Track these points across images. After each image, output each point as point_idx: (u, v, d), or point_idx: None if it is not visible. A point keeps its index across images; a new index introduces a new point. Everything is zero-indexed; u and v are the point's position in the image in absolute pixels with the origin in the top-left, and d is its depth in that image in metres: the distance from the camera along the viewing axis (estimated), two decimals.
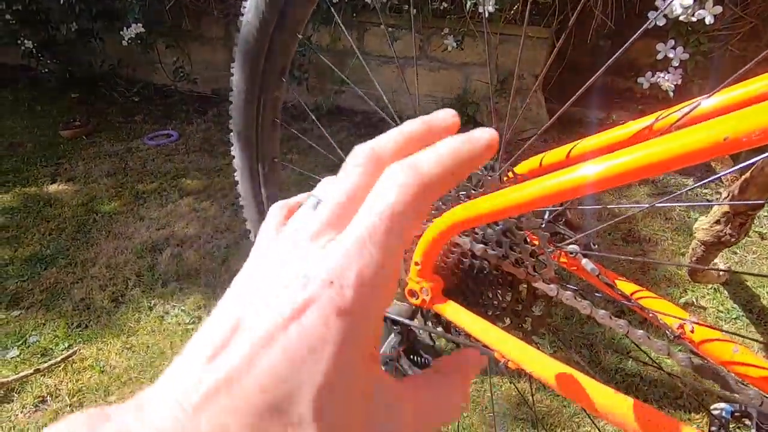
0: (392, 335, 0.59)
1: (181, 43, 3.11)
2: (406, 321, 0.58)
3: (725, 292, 1.27)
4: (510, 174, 0.59)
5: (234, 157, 0.92)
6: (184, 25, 3.03)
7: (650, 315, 0.57)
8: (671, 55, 1.95)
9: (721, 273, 1.05)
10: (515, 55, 2.65)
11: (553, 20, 2.49)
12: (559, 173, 0.41)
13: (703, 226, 0.82)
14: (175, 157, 2.35)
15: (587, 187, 0.40)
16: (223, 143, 2.53)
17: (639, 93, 3.18)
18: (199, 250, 1.65)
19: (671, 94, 2.12)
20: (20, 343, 1.23)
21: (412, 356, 0.60)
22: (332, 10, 1.79)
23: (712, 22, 1.79)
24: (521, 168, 0.65)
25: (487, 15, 2.17)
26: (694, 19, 1.83)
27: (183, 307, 1.40)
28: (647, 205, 1.94)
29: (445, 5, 2.35)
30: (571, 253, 0.58)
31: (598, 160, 0.38)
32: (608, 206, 1.77)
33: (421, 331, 0.60)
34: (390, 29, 2.66)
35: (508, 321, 0.61)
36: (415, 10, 2.46)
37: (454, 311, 0.55)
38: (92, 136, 2.58)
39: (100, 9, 2.91)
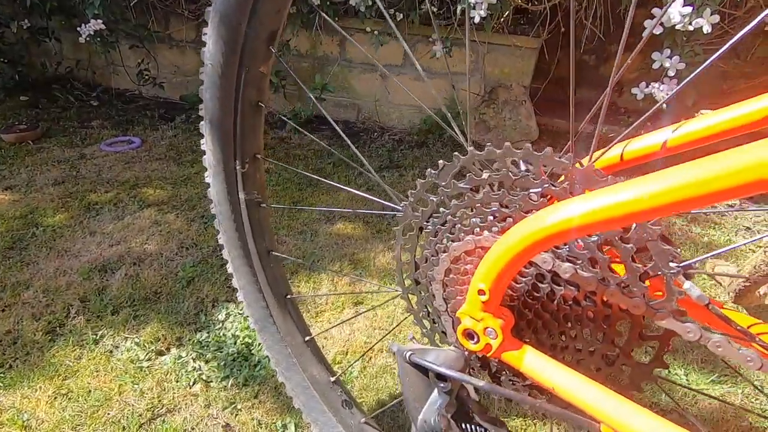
0: (436, 394, 0.41)
1: (147, 44, 2.87)
2: (458, 375, 0.40)
3: None
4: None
5: (205, 152, 0.73)
6: (150, 25, 2.81)
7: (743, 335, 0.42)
8: (667, 65, 1.90)
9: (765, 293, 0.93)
10: (503, 64, 2.57)
11: (542, 30, 2.43)
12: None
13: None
14: (135, 165, 2.10)
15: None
16: (191, 151, 2.30)
17: (623, 107, 3.17)
18: (161, 270, 1.42)
19: (665, 106, 2.06)
20: None
21: (463, 424, 0.42)
22: (320, 11, 1.62)
23: (709, 31, 1.75)
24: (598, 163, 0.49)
25: (477, 21, 2.07)
26: (691, 28, 1.78)
27: (137, 340, 1.16)
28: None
29: (434, 9, 2.24)
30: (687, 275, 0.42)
31: None
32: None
33: (473, 389, 0.42)
34: (376, 32, 2.54)
35: (592, 369, 0.44)
36: (401, 15, 2.34)
37: (534, 362, 0.38)
38: (40, 142, 2.29)
39: (56, 5, 2.65)
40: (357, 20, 2.56)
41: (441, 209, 0.50)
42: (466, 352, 0.44)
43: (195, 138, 2.45)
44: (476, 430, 0.42)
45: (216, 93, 0.66)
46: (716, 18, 1.74)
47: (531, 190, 0.43)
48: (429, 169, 0.50)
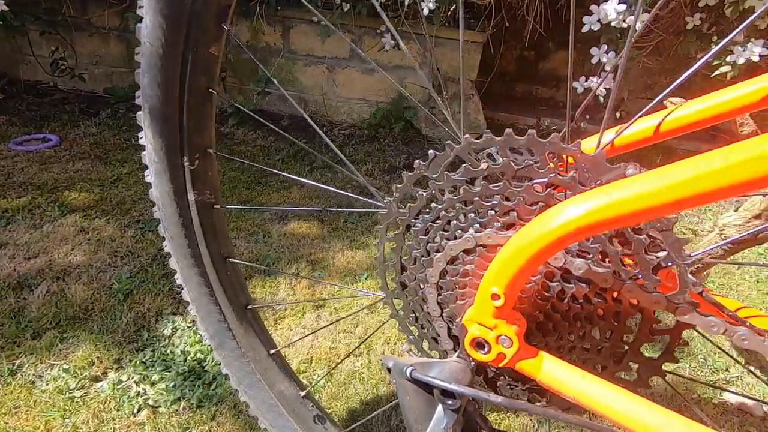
0: (441, 412, 0.37)
1: (62, 31, 2.56)
2: (472, 391, 0.36)
3: None
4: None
5: (145, 147, 0.63)
6: (64, 10, 2.50)
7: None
8: (604, 60, 2.00)
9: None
10: (450, 59, 2.58)
11: (487, 25, 2.47)
12: None
13: (736, 222, 0.73)
14: (54, 166, 1.86)
15: None
16: (121, 149, 2.08)
17: (561, 101, 3.32)
18: (91, 284, 1.25)
19: (601, 99, 2.18)
20: None
21: None
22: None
23: (641, 27, 1.85)
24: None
25: (426, 13, 2.05)
26: (625, 24, 1.88)
27: (66, 366, 1.01)
28: None
29: (382, 0, 2.20)
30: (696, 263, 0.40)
31: None
32: None
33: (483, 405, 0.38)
34: (321, 24, 2.44)
35: (599, 368, 0.42)
36: (348, 6, 2.27)
37: (553, 369, 0.34)
38: None
39: None
40: (300, 10, 2.46)
41: (432, 204, 0.45)
42: (473, 363, 0.39)
43: (125, 134, 2.22)
44: None
45: (157, 77, 0.57)
46: (646, 15, 1.85)
47: (536, 181, 0.39)
48: (417, 161, 0.45)
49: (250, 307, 0.76)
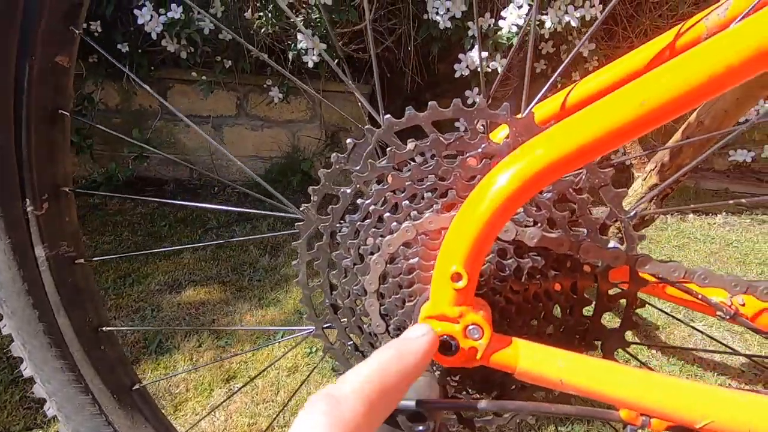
0: None
1: None
2: (450, 403, 0.28)
3: None
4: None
5: None
6: None
7: (700, 297, 0.43)
8: (477, 100, 2.23)
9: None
10: (340, 110, 2.65)
11: (370, 77, 2.61)
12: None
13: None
14: None
15: None
16: None
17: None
18: None
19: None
20: None
21: None
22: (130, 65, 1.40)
23: (502, 71, 2.12)
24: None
25: (311, 66, 2.10)
26: (489, 69, 2.14)
27: None
28: None
29: (266, 56, 2.19)
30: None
31: None
32: None
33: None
34: (201, 87, 2.34)
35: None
36: (230, 63, 2.22)
37: (532, 355, 0.29)
38: None
39: None
40: (178, 70, 2.34)
41: (359, 201, 0.39)
42: (437, 373, 0.32)
43: None
44: None
45: None
46: (504, 61, 2.13)
47: (469, 154, 0.35)
48: (335, 154, 0.39)
49: (136, 387, 0.59)
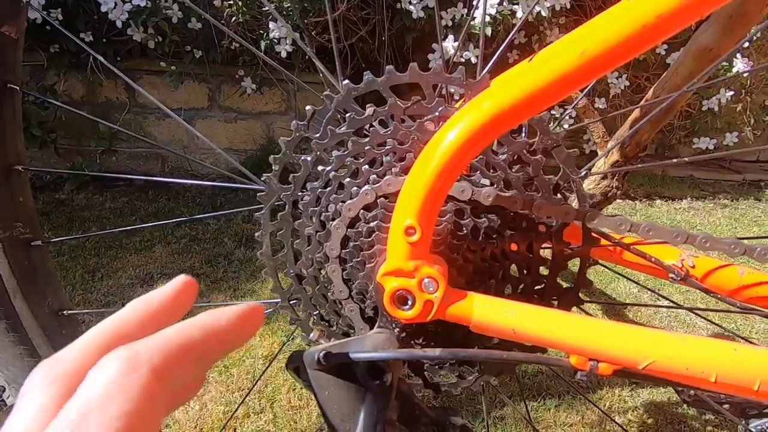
0: (371, 400, 0.29)
1: None
2: (405, 353, 0.29)
3: None
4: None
5: None
6: None
7: (653, 260, 0.45)
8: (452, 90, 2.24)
9: None
10: (314, 101, 2.62)
11: (345, 68, 2.60)
12: None
13: (588, 186, 0.82)
14: None
15: None
16: None
17: None
18: None
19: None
20: None
21: (417, 427, 0.30)
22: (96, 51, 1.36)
23: (476, 61, 2.14)
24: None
25: (284, 56, 2.07)
26: (462, 59, 2.15)
27: None
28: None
29: (236, 46, 2.16)
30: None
31: None
32: None
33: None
34: (170, 78, 2.28)
35: None
36: (200, 53, 2.17)
37: (486, 307, 0.30)
38: None
39: None
40: (146, 60, 2.27)
41: (319, 168, 0.39)
42: (397, 329, 0.33)
43: None
44: (434, 430, 0.31)
45: None
46: (478, 51, 2.15)
47: (426, 117, 0.36)
48: (294, 121, 0.39)
49: None
